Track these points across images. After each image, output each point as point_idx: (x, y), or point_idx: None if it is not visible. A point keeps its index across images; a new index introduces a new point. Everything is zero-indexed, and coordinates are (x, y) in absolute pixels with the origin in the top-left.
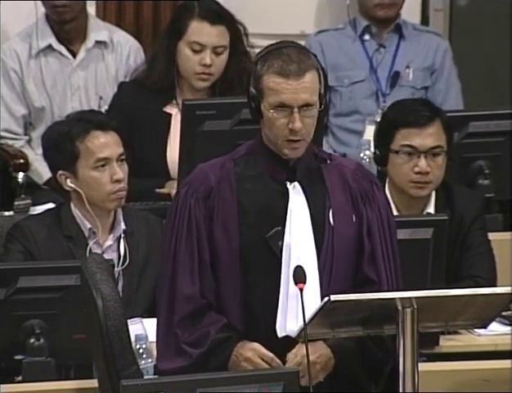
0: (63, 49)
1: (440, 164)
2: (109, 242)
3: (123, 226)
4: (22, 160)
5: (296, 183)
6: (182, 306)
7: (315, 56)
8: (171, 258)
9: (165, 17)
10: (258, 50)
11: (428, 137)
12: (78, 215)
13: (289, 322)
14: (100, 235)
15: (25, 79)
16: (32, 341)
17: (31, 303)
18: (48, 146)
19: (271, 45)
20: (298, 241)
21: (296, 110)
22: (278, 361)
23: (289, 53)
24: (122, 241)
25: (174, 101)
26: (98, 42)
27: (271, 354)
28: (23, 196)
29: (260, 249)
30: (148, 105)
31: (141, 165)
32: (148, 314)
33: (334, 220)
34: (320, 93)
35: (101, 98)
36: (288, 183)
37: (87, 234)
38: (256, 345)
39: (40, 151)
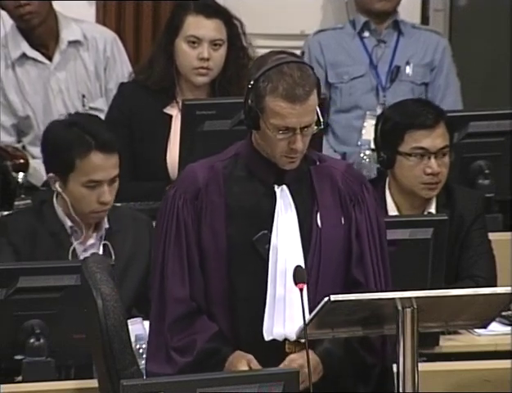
0: (38, 55)
1: (446, 163)
2: (91, 241)
3: (105, 225)
4: (22, 160)
5: (284, 186)
6: (173, 309)
7: (312, 68)
8: (160, 260)
9: (165, 17)
10: (256, 49)
11: (437, 137)
12: (61, 213)
13: (276, 325)
14: (83, 234)
15: (6, 90)
16: (32, 341)
17: (31, 303)
18: (47, 147)
19: (269, 57)
20: (285, 245)
21: (298, 131)
22: None
23: (292, 74)
24: (103, 245)
25: (174, 102)
26: (72, 43)
27: None
28: (23, 196)
29: (247, 252)
30: (148, 106)
31: (141, 167)
32: (130, 313)
33: (321, 223)
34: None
35: (83, 97)
36: (276, 186)
37: (69, 232)
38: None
39: (35, 153)
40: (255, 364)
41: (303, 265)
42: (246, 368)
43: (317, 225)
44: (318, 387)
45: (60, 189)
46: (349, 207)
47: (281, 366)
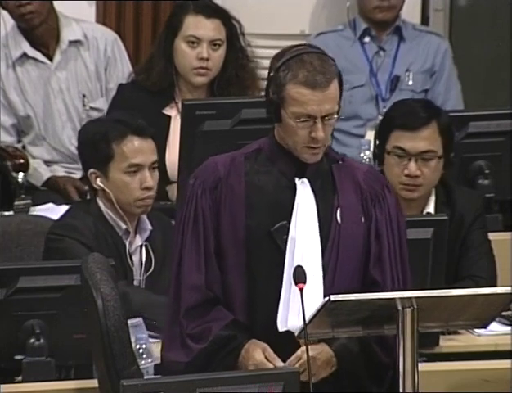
0: (38, 55)
1: (433, 167)
2: (138, 243)
3: (149, 226)
4: (22, 160)
5: (305, 179)
6: (189, 296)
7: (333, 60)
8: (178, 248)
9: (165, 17)
10: (255, 49)
11: (421, 141)
12: (111, 216)
13: (290, 317)
14: (130, 234)
15: (7, 90)
16: (32, 341)
17: (31, 303)
18: (83, 144)
19: (290, 49)
20: (303, 237)
21: (319, 119)
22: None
23: (313, 62)
24: (144, 246)
25: (173, 102)
26: (72, 42)
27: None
28: (23, 196)
29: (265, 242)
30: (147, 107)
31: None
32: None
33: (341, 219)
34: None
35: (84, 96)
36: (296, 179)
37: (120, 234)
38: (258, 359)
39: (35, 153)
40: (270, 353)
41: (320, 259)
42: (262, 356)
43: (337, 221)
44: (330, 382)
45: (101, 184)
46: (370, 206)
47: (294, 356)
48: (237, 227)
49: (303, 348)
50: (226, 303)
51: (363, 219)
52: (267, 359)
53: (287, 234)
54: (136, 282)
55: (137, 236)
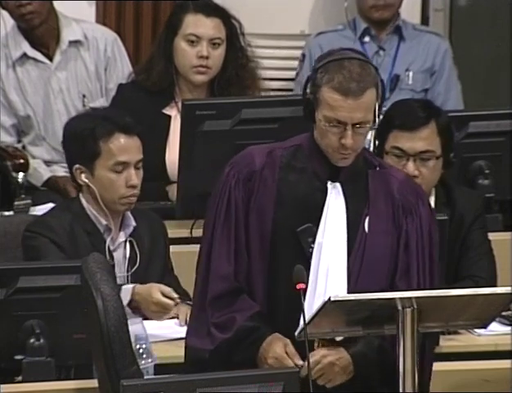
0: (38, 55)
1: (431, 167)
2: (121, 239)
3: (133, 222)
4: (22, 160)
5: (337, 184)
6: (216, 285)
7: (376, 69)
8: (209, 236)
9: (165, 17)
10: (255, 49)
11: (419, 141)
12: (92, 212)
13: None
14: (112, 231)
15: (7, 90)
16: (32, 341)
17: (31, 303)
18: (69, 139)
19: (334, 52)
20: (330, 242)
21: (349, 126)
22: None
23: (351, 69)
24: (129, 242)
25: (173, 102)
26: (72, 42)
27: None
28: (23, 196)
29: (289, 241)
30: (147, 107)
31: None
32: None
33: (369, 228)
34: (374, 109)
35: (84, 96)
36: (329, 183)
37: (102, 230)
38: (279, 352)
39: (35, 153)
40: (291, 349)
41: (346, 267)
42: (282, 351)
43: (364, 230)
44: (346, 388)
45: (86, 180)
46: (401, 217)
47: (312, 359)
48: (264, 219)
49: (322, 352)
50: (249, 293)
51: (392, 230)
52: (287, 354)
53: (313, 237)
54: (119, 279)
55: (121, 232)
